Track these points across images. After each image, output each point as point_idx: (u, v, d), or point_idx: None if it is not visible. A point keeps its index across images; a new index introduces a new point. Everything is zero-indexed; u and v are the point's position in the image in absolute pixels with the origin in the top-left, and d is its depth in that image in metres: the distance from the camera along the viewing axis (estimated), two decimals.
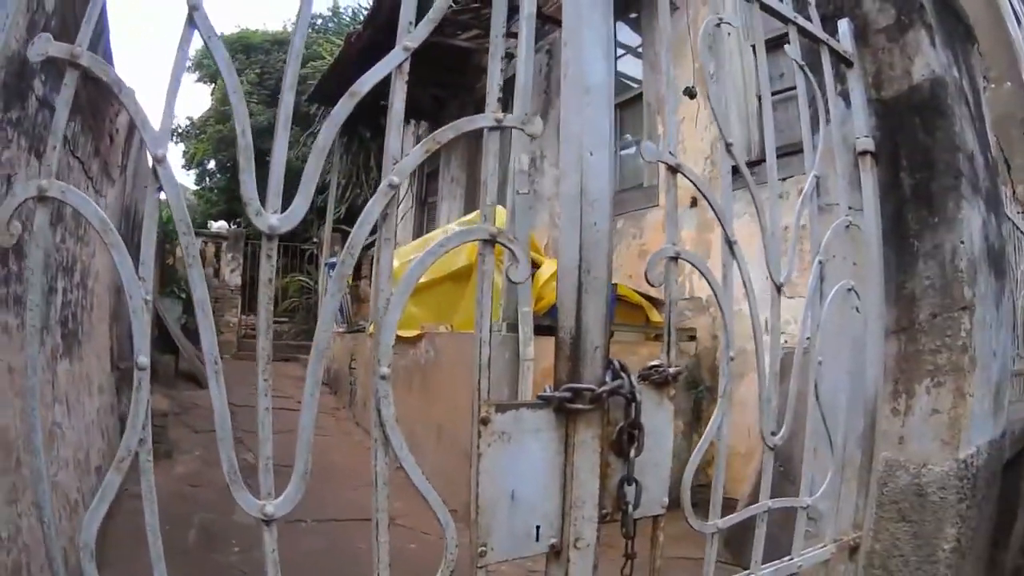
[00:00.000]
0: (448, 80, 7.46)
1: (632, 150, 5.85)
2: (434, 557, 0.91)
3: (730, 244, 1.33)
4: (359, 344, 6.25)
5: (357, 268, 8.37)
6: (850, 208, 1.74)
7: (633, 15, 5.73)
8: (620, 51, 5.96)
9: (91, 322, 2.51)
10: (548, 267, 3.96)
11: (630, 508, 1.08)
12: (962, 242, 1.63)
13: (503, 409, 0.95)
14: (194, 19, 0.90)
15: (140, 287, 0.88)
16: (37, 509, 0.93)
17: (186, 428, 4.45)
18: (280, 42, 16.36)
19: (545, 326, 3.38)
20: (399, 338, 5.23)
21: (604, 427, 1.07)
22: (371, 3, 6.16)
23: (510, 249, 0.97)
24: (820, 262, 1.53)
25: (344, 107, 0.89)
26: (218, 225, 14.25)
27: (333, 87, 7.25)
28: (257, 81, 15.14)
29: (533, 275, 4.21)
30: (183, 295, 7.03)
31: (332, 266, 7.30)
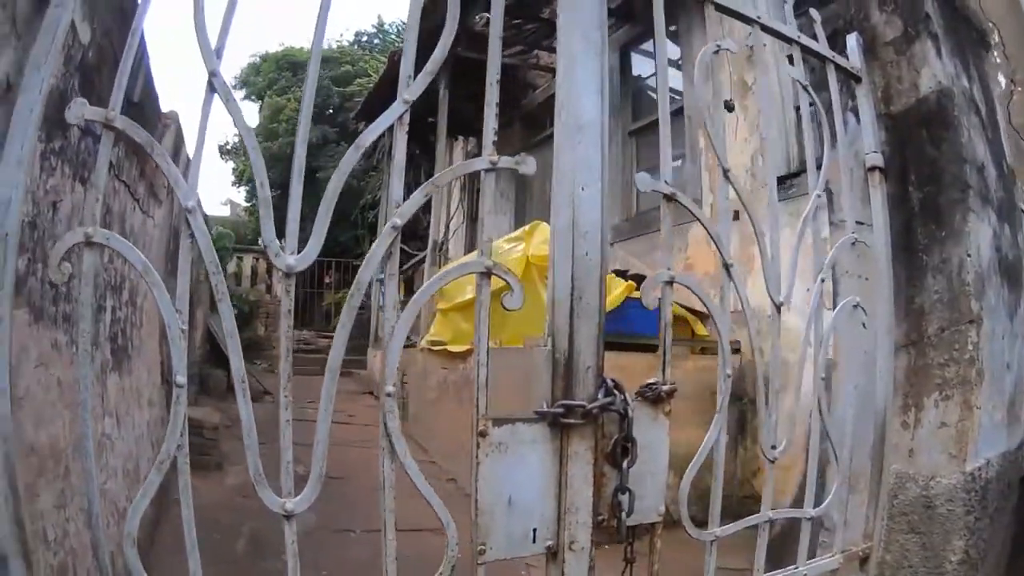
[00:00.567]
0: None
1: (677, 163, 5.96)
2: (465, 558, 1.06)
3: (727, 267, 1.45)
4: (411, 359, 6.49)
5: (409, 284, 8.67)
6: (860, 224, 1.84)
7: (672, 27, 5.85)
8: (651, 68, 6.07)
9: (140, 338, 2.74)
10: None
11: (624, 515, 1.21)
12: (969, 255, 1.70)
13: (500, 423, 1.10)
14: (213, 85, 1.07)
15: (177, 319, 1.05)
16: (87, 510, 1.11)
17: (238, 440, 4.70)
18: (326, 60, 16.87)
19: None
20: (451, 353, 5.47)
21: (598, 440, 1.21)
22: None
23: (504, 279, 1.12)
24: (823, 280, 1.63)
25: (349, 159, 1.04)
26: (262, 239, 14.79)
27: (378, 105, 7.55)
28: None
29: None
30: (236, 310, 7.41)
31: (383, 281, 7.58)
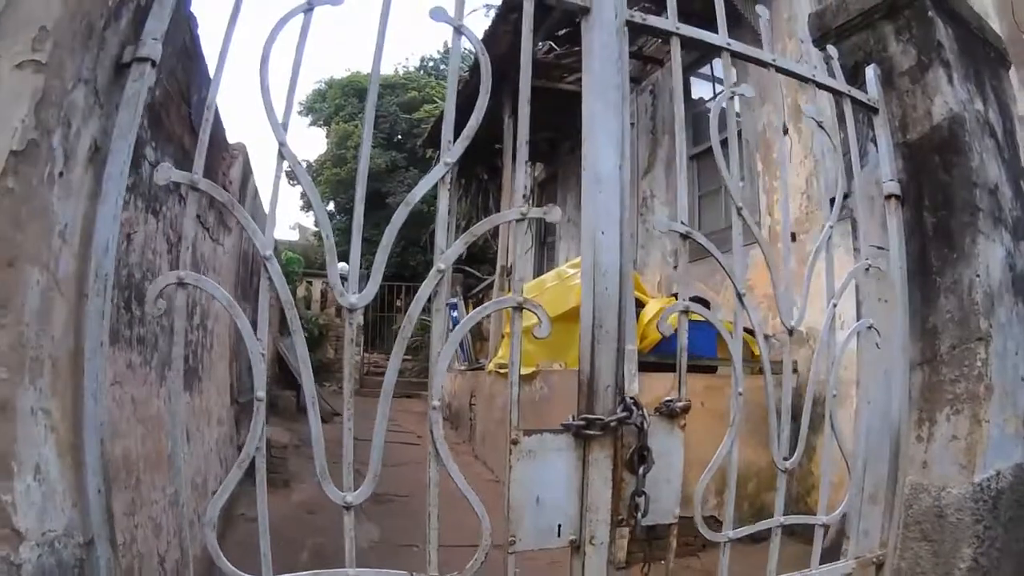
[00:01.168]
0: (559, 122, 8.08)
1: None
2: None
3: (739, 296, 1.68)
4: (479, 381, 6.84)
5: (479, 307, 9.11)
6: (880, 248, 2.04)
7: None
8: (719, 88, 6.30)
9: (211, 360, 3.11)
10: (653, 306, 4.31)
11: (640, 515, 1.46)
12: (978, 275, 1.87)
13: (529, 433, 1.37)
14: (282, 153, 1.37)
15: (258, 345, 1.35)
16: (174, 495, 1.41)
17: (306, 459, 5.15)
18: (391, 86, 17.51)
19: (650, 362, 3.65)
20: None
21: (618, 449, 1.46)
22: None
23: (534, 313, 1.39)
24: (834, 304, 1.84)
25: (400, 215, 1.33)
26: (340, 266, 15.45)
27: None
28: (373, 124, 16.71)
29: (638, 315, 4.64)
30: (304, 335, 7.95)
31: (453, 306, 8.11)
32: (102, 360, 1.25)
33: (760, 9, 1.89)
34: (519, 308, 1.40)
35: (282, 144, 1.37)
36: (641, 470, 1.45)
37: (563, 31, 6.96)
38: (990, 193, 1.98)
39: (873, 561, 1.92)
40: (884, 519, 1.95)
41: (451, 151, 1.39)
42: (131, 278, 2.18)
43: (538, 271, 9.86)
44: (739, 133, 5.73)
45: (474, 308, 8.24)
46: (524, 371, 4.99)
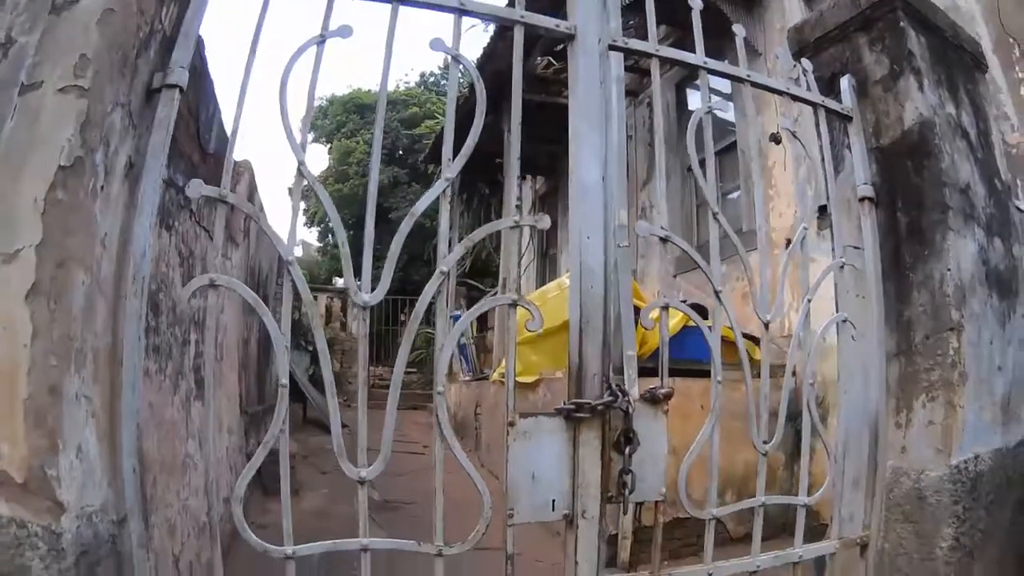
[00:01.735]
0: (558, 136, 8.24)
1: (732, 196, 6.42)
2: None
3: (716, 294, 1.85)
4: (484, 391, 7.03)
5: (483, 320, 9.43)
6: (856, 248, 2.21)
7: (725, 60, 6.34)
8: (716, 98, 6.53)
9: (221, 370, 3.28)
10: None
11: (628, 492, 1.62)
12: (949, 269, 2.03)
13: (524, 416, 1.54)
14: (301, 171, 1.55)
15: (282, 339, 1.53)
16: (203, 473, 1.58)
17: (313, 469, 5.37)
18: (393, 102, 17.97)
19: (650, 368, 3.77)
20: (520, 384, 5.98)
21: (606, 431, 1.63)
22: (476, 61, 7.10)
23: (528, 309, 1.57)
24: (809, 300, 2.01)
25: (407, 223, 1.51)
26: (344, 281, 15.72)
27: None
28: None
29: (637, 322, 4.84)
30: (311, 347, 8.19)
31: (456, 318, 8.30)
32: (139, 354, 1.43)
33: (736, 28, 2.07)
34: (514, 305, 1.58)
35: (301, 163, 1.55)
36: (627, 450, 1.61)
37: (561, 46, 7.22)
38: (961, 192, 2.15)
39: (857, 542, 2.06)
40: (867, 502, 2.09)
41: (451, 167, 1.57)
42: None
43: (540, 282, 10.10)
44: (735, 143, 5.97)
45: (478, 320, 8.45)
46: (528, 379, 5.16)
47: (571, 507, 1.58)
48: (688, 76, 6.52)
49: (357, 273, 1.50)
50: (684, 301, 5.15)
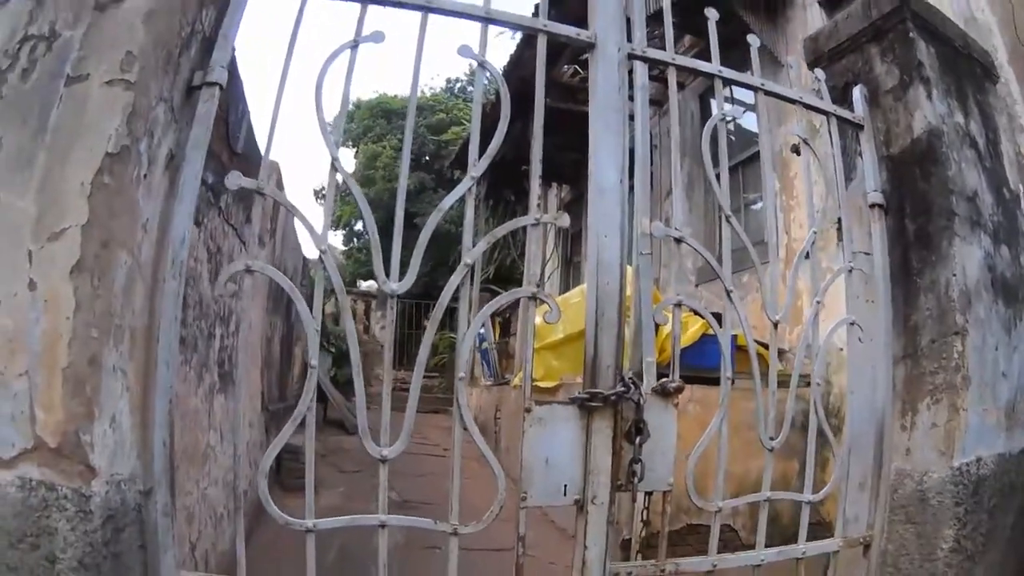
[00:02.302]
0: (584, 144, 8.37)
1: (757, 206, 6.50)
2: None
3: (728, 293, 1.92)
4: (504, 396, 7.13)
5: (507, 326, 9.58)
6: (866, 254, 2.27)
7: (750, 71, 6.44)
8: (742, 108, 6.66)
9: (244, 365, 3.37)
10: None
11: (637, 481, 1.69)
12: (954, 275, 2.09)
13: (540, 404, 1.61)
14: (335, 167, 1.64)
15: (313, 322, 1.60)
16: (232, 450, 1.66)
17: (332, 468, 5.47)
18: (419, 108, 18.29)
19: (668, 375, 3.94)
20: (541, 388, 6.09)
21: (618, 421, 1.69)
22: (503, 67, 7.27)
23: (546, 302, 1.64)
24: (819, 302, 2.07)
25: (434, 218, 1.59)
26: (367, 284, 15.98)
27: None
28: (400, 146, 17.44)
29: (657, 328, 4.93)
30: (332, 349, 8.36)
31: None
32: (175, 334, 1.52)
33: (751, 38, 2.15)
34: (533, 298, 1.66)
35: (335, 159, 1.65)
36: (638, 440, 1.67)
37: (586, 55, 7.31)
38: (968, 199, 2.21)
39: (860, 541, 2.11)
40: (871, 503, 2.15)
41: (477, 166, 1.66)
42: None
43: (564, 289, 10.24)
44: (758, 153, 6.05)
45: (501, 327, 8.56)
46: (548, 384, 5.25)
47: (582, 493, 1.64)
48: (711, 87, 6.58)
49: (387, 265, 1.58)
50: (705, 309, 5.27)
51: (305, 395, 1.53)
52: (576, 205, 10.42)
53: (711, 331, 1.92)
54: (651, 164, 1.96)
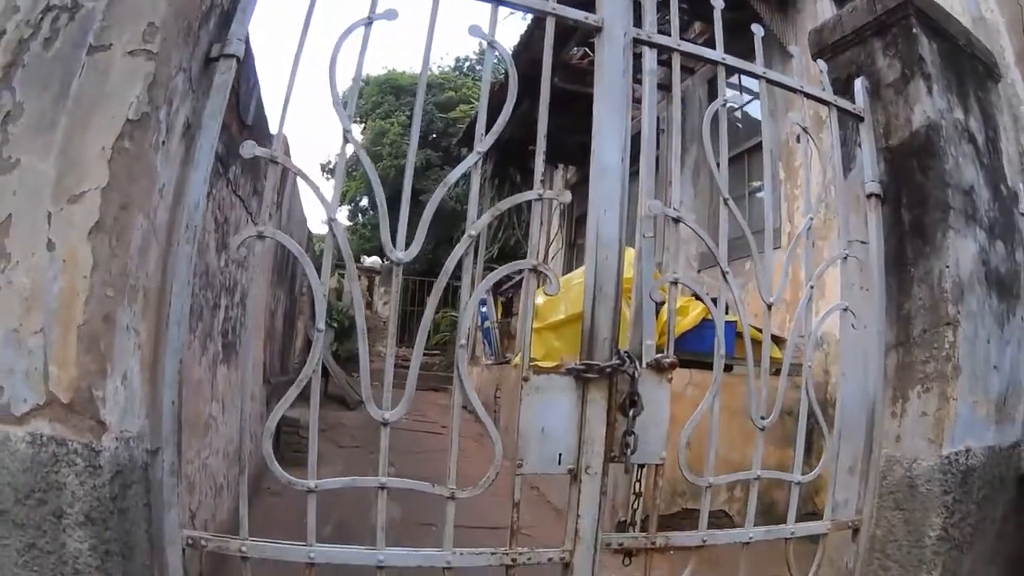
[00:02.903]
0: (590, 126, 8.47)
1: (762, 194, 6.58)
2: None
3: (724, 274, 1.99)
4: (504, 375, 7.24)
5: (509, 305, 9.68)
6: (862, 242, 2.34)
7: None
8: (747, 96, 6.73)
9: (252, 333, 3.45)
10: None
11: (630, 452, 1.76)
12: (947, 267, 2.16)
13: (538, 372, 1.69)
14: (347, 138, 1.71)
15: (321, 288, 1.68)
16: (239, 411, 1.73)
17: (332, 443, 5.57)
18: (428, 85, 18.34)
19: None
20: (541, 368, 6.15)
21: (612, 393, 1.77)
22: (512, 47, 7.35)
23: (546, 274, 1.71)
24: (811, 287, 2.14)
25: (440, 191, 1.66)
26: (371, 260, 16.11)
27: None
28: (407, 123, 17.57)
29: (657, 313, 5.04)
30: (334, 324, 8.49)
31: (482, 302, 8.62)
32: (187, 296, 1.59)
33: (755, 28, 2.22)
34: (534, 270, 1.73)
35: (347, 131, 1.73)
36: (631, 413, 1.75)
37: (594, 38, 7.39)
38: (964, 193, 2.27)
39: (848, 525, 2.18)
40: (860, 488, 2.22)
41: (483, 141, 1.74)
42: None
43: (567, 270, 10.28)
44: (761, 143, 6.13)
45: (503, 306, 8.65)
46: (549, 364, 5.34)
47: (576, 462, 1.72)
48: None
49: (393, 235, 1.65)
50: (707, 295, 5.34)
51: (311, 359, 1.60)
52: (582, 187, 10.45)
53: (711, 316, 1.99)
54: (657, 148, 2.01)
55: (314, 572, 1.58)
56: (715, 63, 2.12)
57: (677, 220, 1.93)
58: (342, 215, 19.59)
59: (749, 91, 6.68)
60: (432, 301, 1.68)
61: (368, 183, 17.59)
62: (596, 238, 1.79)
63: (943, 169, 2.24)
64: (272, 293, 4.60)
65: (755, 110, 6.68)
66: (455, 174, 1.70)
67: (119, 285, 1.46)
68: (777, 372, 2.07)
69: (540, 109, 1.77)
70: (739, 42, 2.27)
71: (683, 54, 2.09)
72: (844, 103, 2.36)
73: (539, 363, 6.27)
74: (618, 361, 1.73)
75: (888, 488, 2.21)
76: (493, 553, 1.67)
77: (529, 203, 1.80)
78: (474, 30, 1.81)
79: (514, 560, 1.67)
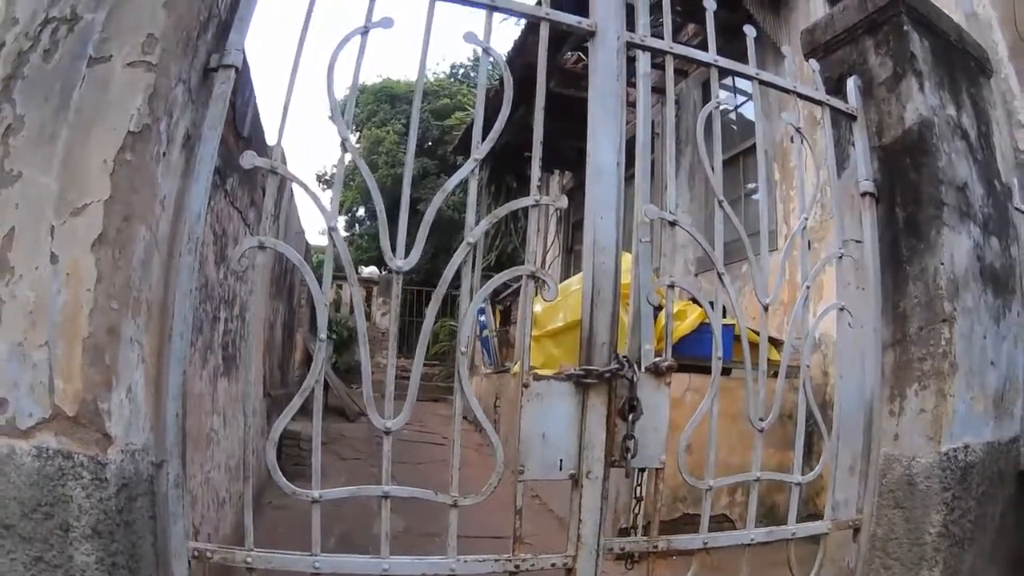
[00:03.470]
0: (586, 132, 8.55)
1: (758, 196, 6.66)
2: None
3: (720, 275, 2.03)
4: (503, 384, 7.28)
5: (507, 314, 9.75)
6: (857, 241, 2.39)
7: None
8: (742, 98, 6.78)
9: (253, 345, 3.46)
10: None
11: (630, 456, 1.79)
12: (942, 263, 2.21)
13: (538, 379, 1.72)
14: (345, 146, 1.75)
15: (322, 296, 1.71)
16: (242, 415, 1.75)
17: (333, 455, 5.59)
18: (424, 92, 18.46)
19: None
20: (543, 375, 6.21)
21: (612, 398, 1.80)
22: (507, 53, 7.42)
23: (544, 280, 1.75)
24: (808, 287, 2.18)
25: (439, 198, 1.70)
26: (369, 270, 16.14)
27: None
28: (403, 131, 17.41)
29: (656, 316, 5.09)
30: (333, 336, 8.51)
31: (481, 311, 8.70)
32: (189, 307, 1.63)
33: (747, 29, 2.26)
34: (532, 276, 1.77)
35: (345, 139, 1.76)
36: (631, 417, 1.78)
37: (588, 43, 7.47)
38: (957, 190, 2.32)
39: (849, 525, 2.23)
40: (860, 487, 2.26)
41: (480, 148, 1.78)
42: None
43: (565, 276, 10.34)
44: (754, 145, 6.19)
45: (501, 315, 8.69)
46: (548, 372, 5.41)
47: (577, 468, 1.76)
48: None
49: (393, 243, 1.69)
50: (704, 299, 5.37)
51: (313, 369, 1.64)
52: (578, 192, 10.45)
53: (709, 320, 2.03)
54: (652, 152, 2.05)
55: None
56: (708, 65, 2.16)
57: (673, 224, 1.97)
58: (339, 225, 19.87)
59: (743, 93, 6.77)
60: (432, 309, 1.72)
61: (365, 193, 17.71)
62: (593, 243, 1.83)
63: (936, 166, 2.28)
64: (271, 306, 4.63)
65: (750, 112, 6.75)
66: (453, 181, 1.74)
67: (123, 297, 1.49)
68: (776, 374, 2.11)
69: (535, 114, 1.81)
70: (733, 43, 2.32)
71: (676, 57, 2.13)
72: (837, 102, 2.41)
73: (538, 371, 6.27)
74: (617, 366, 1.77)
75: (888, 487, 2.25)
76: (497, 560, 1.71)
77: (526, 209, 1.84)
78: (469, 37, 1.85)
79: (517, 567, 1.71)
